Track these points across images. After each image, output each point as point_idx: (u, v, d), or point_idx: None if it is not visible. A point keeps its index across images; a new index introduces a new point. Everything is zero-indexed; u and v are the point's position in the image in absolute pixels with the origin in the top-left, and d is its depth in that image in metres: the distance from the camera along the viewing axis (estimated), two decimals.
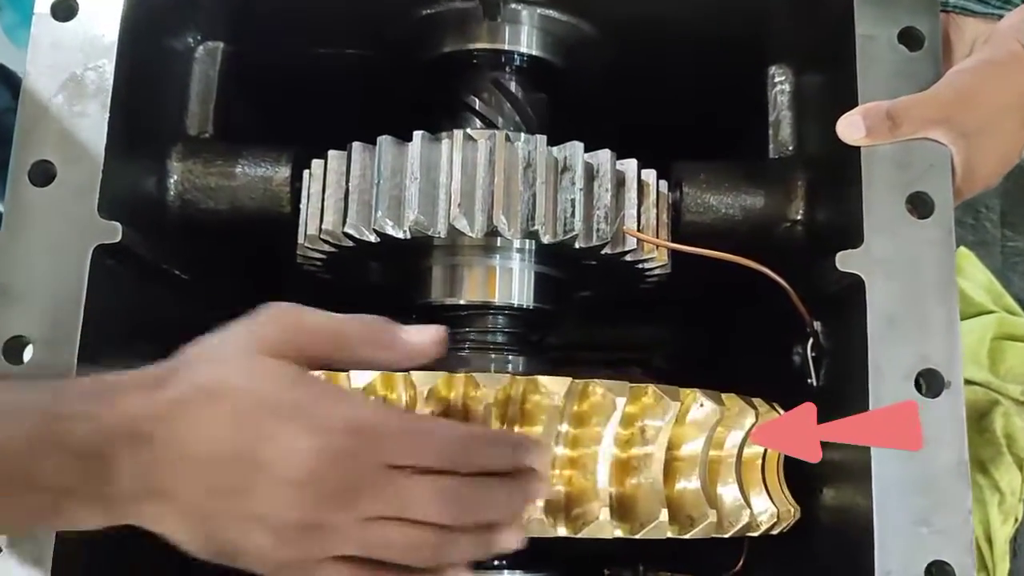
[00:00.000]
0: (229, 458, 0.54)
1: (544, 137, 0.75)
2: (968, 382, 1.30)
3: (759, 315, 0.96)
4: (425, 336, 0.61)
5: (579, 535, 0.61)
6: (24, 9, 1.59)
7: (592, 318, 1.14)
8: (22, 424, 0.54)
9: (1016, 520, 1.32)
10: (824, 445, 0.77)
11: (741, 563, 0.87)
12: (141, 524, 0.56)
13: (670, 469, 0.65)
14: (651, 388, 0.64)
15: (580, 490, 0.62)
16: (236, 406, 0.54)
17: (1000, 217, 1.39)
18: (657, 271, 0.82)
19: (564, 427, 0.62)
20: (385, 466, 0.54)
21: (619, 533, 0.62)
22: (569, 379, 0.62)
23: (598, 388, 0.62)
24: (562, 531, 0.61)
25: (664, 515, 0.62)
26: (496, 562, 0.79)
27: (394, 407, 0.62)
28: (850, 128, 0.70)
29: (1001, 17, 0.78)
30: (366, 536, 0.54)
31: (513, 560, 0.79)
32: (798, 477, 0.78)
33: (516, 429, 0.62)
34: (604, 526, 0.60)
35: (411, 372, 0.62)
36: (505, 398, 0.61)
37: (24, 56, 0.72)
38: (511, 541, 0.57)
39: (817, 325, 0.78)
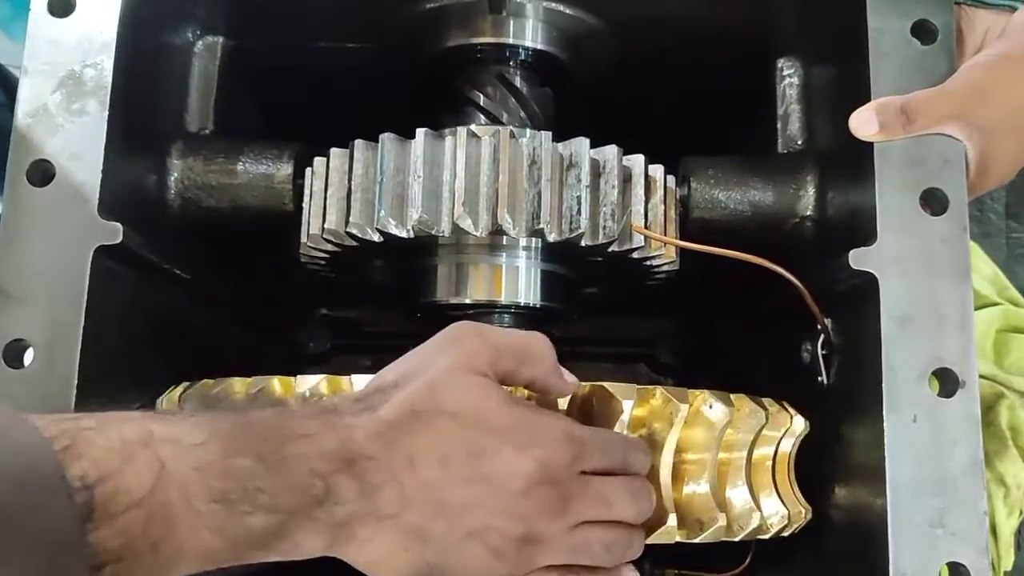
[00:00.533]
0: (452, 479, 0.55)
1: (549, 133, 0.74)
2: None
3: (767, 310, 0.95)
4: (572, 379, 0.64)
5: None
6: (18, 2, 1.57)
7: (596, 312, 1.13)
8: (249, 444, 0.52)
9: (1021, 513, 1.32)
10: (836, 444, 0.76)
11: (748, 561, 0.86)
12: (349, 553, 0.55)
13: (679, 472, 0.64)
14: (659, 390, 0.63)
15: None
16: (458, 424, 0.55)
17: (1005, 208, 1.38)
18: (665, 267, 0.81)
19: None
20: (583, 473, 0.58)
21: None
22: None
23: (607, 391, 0.61)
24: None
25: (673, 520, 0.61)
26: None
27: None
28: (863, 123, 0.69)
29: (1014, 9, 0.77)
30: (574, 541, 0.57)
31: None
32: (809, 476, 0.77)
33: None
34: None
35: None
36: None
37: (20, 50, 0.71)
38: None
39: (828, 322, 0.77)
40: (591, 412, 0.63)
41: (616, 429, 0.63)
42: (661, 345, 1.25)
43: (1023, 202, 1.39)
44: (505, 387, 0.60)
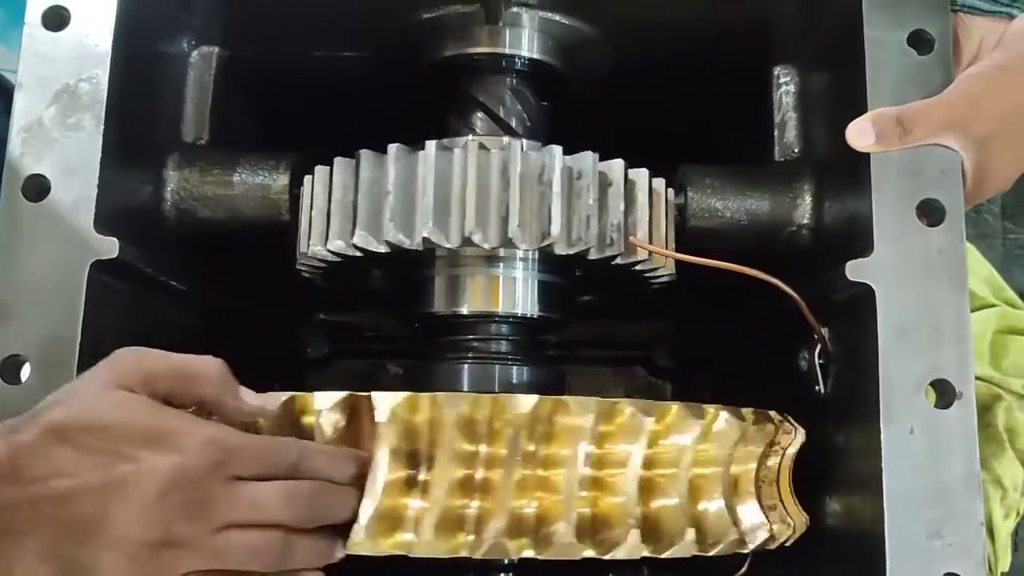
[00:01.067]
0: (85, 490, 0.55)
1: (559, 148, 0.74)
2: None
3: (765, 316, 0.95)
4: (264, 404, 0.64)
5: (607, 556, 0.61)
6: (14, 9, 1.57)
7: (593, 316, 1.13)
8: None
9: (1018, 514, 1.32)
10: (834, 454, 0.77)
11: (745, 568, 0.86)
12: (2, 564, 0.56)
13: (693, 487, 0.64)
14: (675, 406, 0.63)
15: (607, 512, 0.62)
16: (96, 437, 0.57)
17: (1001, 210, 1.38)
18: (663, 277, 0.81)
19: (590, 447, 0.61)
20: (234, 478, 0.58)
21: (646, 553, 0.61)
22: (596, 400, 0.61)
23: (626, 408, 0.61)
24: (589, 553, 0.61)
25: (691, 534, 0.61)
26: (502, 574, 0.78)
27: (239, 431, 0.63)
28: (860, 134, 0.69)
29: (1010, 16, 0.77)
30: (216, 545, 0.57)
31: (521, 570, 0.79)
32: (807, 484, 0.77)
33: (542, 450, 0.61)
34: (634, 547, 0.60)
35: (436, 394, 0.61)
36: (532, 419, 0.60)
37: (16, 57, 0.70)
38: (341, 552, 0.62)
39: (825, 331, 0.77)
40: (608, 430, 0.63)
41: (636, 446, 0.62)
42: (659, 348, 1.25)
43: (1020, 204, 1.39)
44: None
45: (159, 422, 0.58)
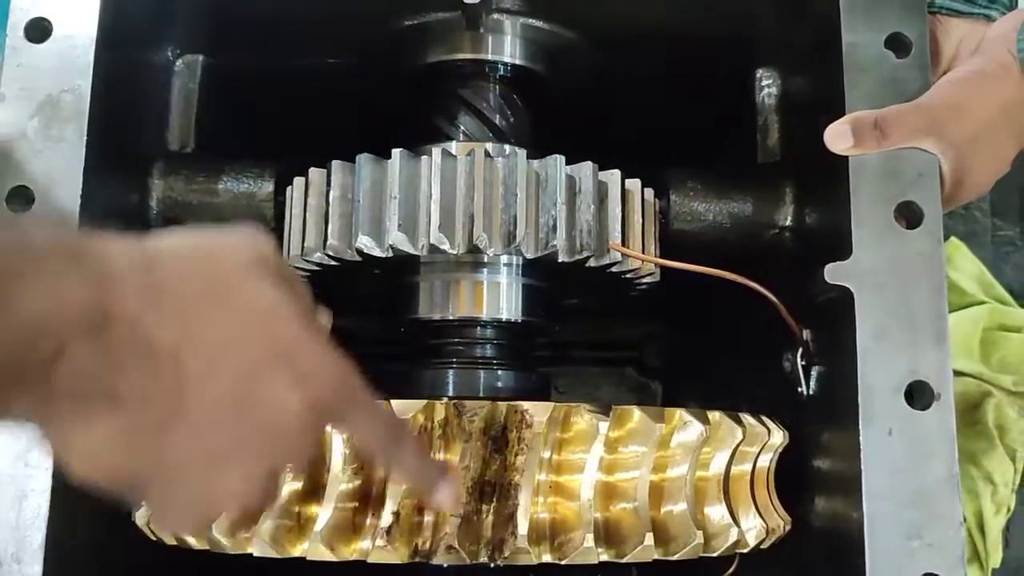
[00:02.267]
0: (216, 383, 0.46)
1: (524, 151, 0.75)
2: (960, 373, 1.30)
3: (751, 318, 0.96)
4: (326, 316, 0.57)
5: (564, 561, 0.61)
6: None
7: (584, 318, 1.14)
8: None
9: (1008, 510, 1.33)
10: (816, 455, 0.77)
11: (733, 569, 0.87)
12: (55, 433, 0.45)
13: (656, 492, 0.64)
14: (636, 411, 0.63)
15: (564, 517, 0.62)
16: (248, 319, 0.47)
17: (990, 207, 1.39)
18: (646, 280, 0.81)
19: (547, 453, 0.62)
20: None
21: (605, 558, 0.61)
22: (552, 404, 0.61)
23: (583, 413, 0.61)
24: (547, 558, 0.61)
25: (650, 539, 0.62)
26: None
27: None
28: (837, 137, 0.70)
29: (988, 18, 0.77)
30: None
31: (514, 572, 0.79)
32: (790, 484, 0.77)
33: (503, 455, 0.61)
34: (589, 552, 0.60)
35: (392, 401, 0.61)
36: (487, 424, 0.60)
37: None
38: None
39: (807, 334, 0.78)
40: (566, 436, 0.63)
41: (593, 451, 0.62)
42: (648, 349, 1.26)
43: (1008, 201, 1.39)
44: None
45: (305, 337, 0.48)
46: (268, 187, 0.83)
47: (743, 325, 1.02)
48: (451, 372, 0.80)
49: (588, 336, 1.22)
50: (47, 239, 0.44)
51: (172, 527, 0.61)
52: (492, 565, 0.64)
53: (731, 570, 0.88)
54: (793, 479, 0.78)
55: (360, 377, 0.52)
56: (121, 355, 0.44)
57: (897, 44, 0.72)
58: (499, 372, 0.81)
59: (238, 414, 0.46)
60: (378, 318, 1.06)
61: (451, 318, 0.80)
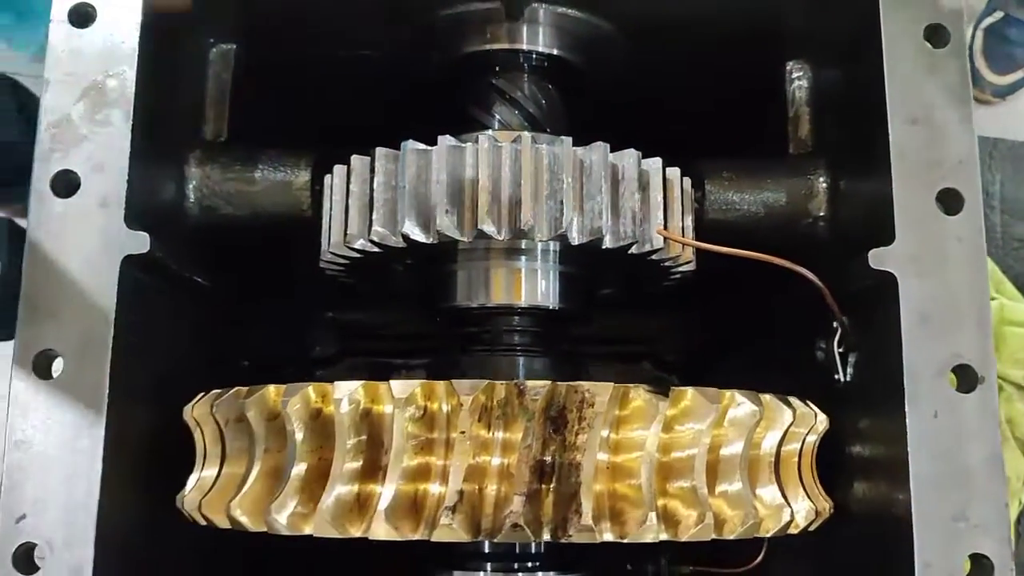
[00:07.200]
0: None
1: (569, 139, 0.75)
2: None
3: (777, 309, 0.96)
4: None
5: (626, 539, 0.61)
6: (22, 10, 1.56)
7: (605, 312, 1.14)
8: None
9: (1020, 503, 1.34)
10: (852, 441, 0.78)
11: (762, 556, 0.87)
12: None
13: (712, 471, 0.65)
14: (691, 391, 0.64)
15: (624, 495, 0.62)
16: None
17: (1000, 203, 1.40)
18: (682, 268, 0.82)
19: (606, 432, 0.62)
20: None
21: (665, 536, 0.62)
22: (611, 384, 0.61)
23: (642, 393, 0.62)
24: (608, 536, 0.61)
25: (709, 518, 0.62)
26: (531, 564, 0.79)
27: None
28: None
29: None
30: None
31: (548, 561, 0.79)
32: (828, 471, 0.78)
33: (561, 434, 0.61)
34: (651, 530, 0.60)
35: (452, 381, 0.61)
36: (547, 404, 0.61)
37: (22, 59, 0.70)
38: None
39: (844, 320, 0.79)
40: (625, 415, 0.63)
41: (651, 430, 0.62)
42: (665, 343, 1.26)
43: (1019, 198, 1.41)
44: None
45: None
46: (304, 176, 0.83)
47: (767, 318, 1.03)
48: (490, 358, 0.80)
49: (606, 331, 1.22)
50: None
51: None
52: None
53: (759, 559, 0.89)
54: (826, 466, 0.78)
55: None
56: None
57: (935, 35, 0.73)
58: (537, 359, 0.81)
59: None
60: (406, 310, 1.06)
61: (489, 305, 0.81)
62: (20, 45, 1.50)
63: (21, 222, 1.81)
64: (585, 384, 0.61)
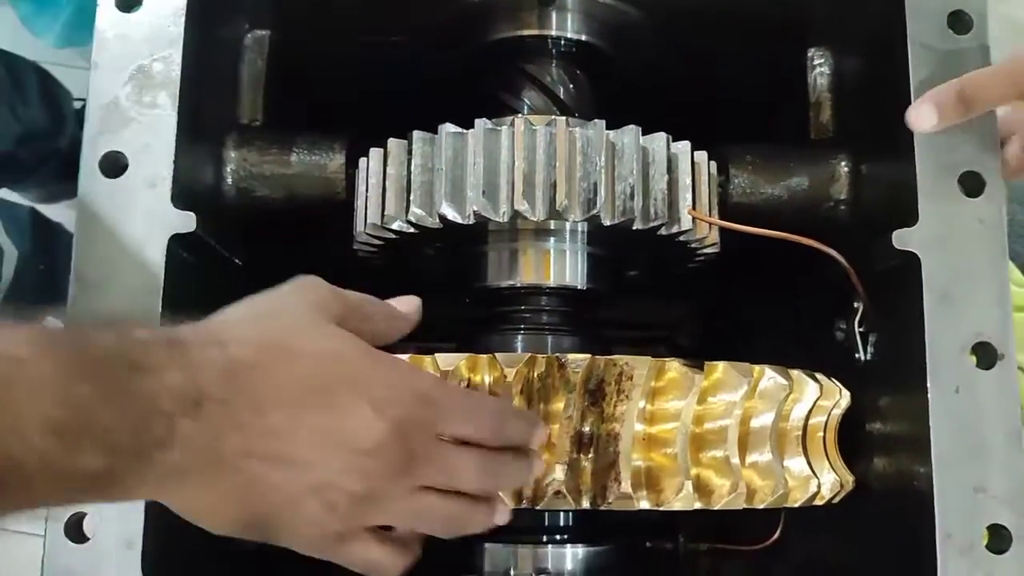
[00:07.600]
0: (304, 428, 0.51)
1: (602, 122, 0.77)
2: None
3: (793, 292, 0.99)
4: (411, 306, 0.66)
5: (662, 507, 0.64)
6: None
7: (624, 297, 1.16)
8: (89, 369, 0.46)
9: None
10: (873, 418, 0.80)
11: (779, 532, 0.90)
12: (174, 500, 0.53)
13: (742, 443, 0.67)
14: (723, 364, 0.66)
15: (660, 465, 0.65)
16: (315, 370, 0.53)
17: (1009, 191, 1.42)
18: (708, 250, 0.84)
19: (642, 403, 0.64)
20: (437, 437, 0.56)
21: (699, 504, 0.64)
22: (648, 358, 0.64)
23: (678, 367, 0.64)
24: (644, 504, 0.64)
25: (742, 487, 0.64)
26: (559, 536, 0.81)
27: (446, 380, 0.63)
28: (922, 117, 0.71)
29: None
30: (411, 506, 0.55)
31: (574, 534, 0.82)
32: (847, 450, 0.80)
33: (599, 406, 0.64)
34: (686, 498, 0.63)
35: (496, 354, 0.63)
36: (587, 377, 0.63)
37: (42, 45, 0.72)
38: (505, 516, 0.62)
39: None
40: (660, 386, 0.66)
41: (687, 401, 0.65)
42: (682, 328, 1.28)
43: None
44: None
45: (379, 367, 0.55)
46: (339, 159, 0.85)
47: (785, 300, 1.05)
48: (520, 337, 0.83)
49: (622, 315, 1.24)
50: (146, 334, 0.51)
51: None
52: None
53: (776, 535, 0.91)
54: (845, 445, 0.81)
55: (440, 383, 0.58)
56: (218, 426, 0.50)
57: (958, 21, 0.75)
58: (566, 338, 0.83)
59: (333, 445, 0.52)
60: (435, 292, 1.08)
61: (518, 285, 0.83)
62: (40, 31, 1.52)
63: (43, 209, 1.83)
64: (624, 357, 0.63)
